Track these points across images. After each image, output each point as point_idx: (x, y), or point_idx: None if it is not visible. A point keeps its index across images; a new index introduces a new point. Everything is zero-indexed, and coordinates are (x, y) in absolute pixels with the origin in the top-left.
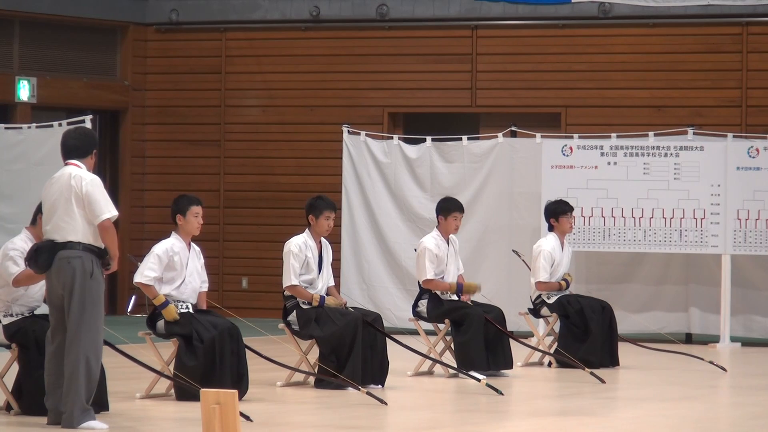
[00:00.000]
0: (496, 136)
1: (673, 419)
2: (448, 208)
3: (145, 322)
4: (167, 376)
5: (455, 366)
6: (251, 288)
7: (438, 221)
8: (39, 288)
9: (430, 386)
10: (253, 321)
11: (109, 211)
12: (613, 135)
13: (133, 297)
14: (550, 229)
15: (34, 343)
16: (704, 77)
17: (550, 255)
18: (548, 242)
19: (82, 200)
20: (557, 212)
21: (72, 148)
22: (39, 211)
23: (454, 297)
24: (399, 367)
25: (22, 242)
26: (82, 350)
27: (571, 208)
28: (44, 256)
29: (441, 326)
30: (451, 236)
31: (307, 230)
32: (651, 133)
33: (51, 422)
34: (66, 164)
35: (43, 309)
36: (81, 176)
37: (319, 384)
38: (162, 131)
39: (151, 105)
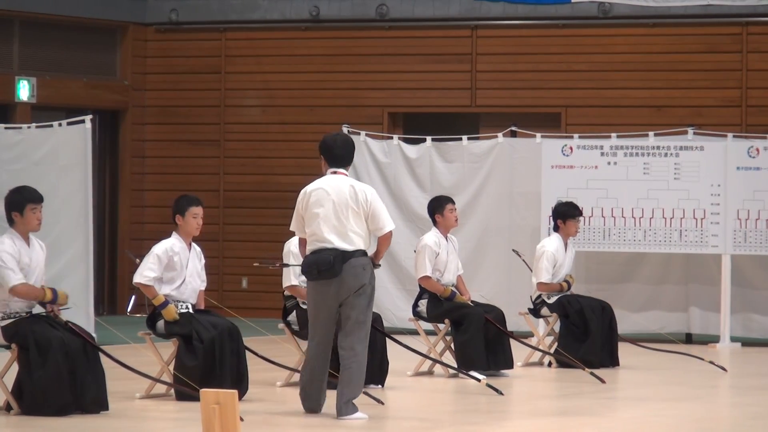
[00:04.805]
0: (496, 136)
1: (673, 419)
2: (441, 204)
3: (145, 322)
4: (164, 382)
5: (455, 366)
6: (251, 288)
7: (434, 221)
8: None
9: (430, 386)
10: (253, 321)
11: (391, 223)
12: (613, 135)
13: (133, 297)
14: (555, 229)
15: (33, 344)
16: (704, 77)
17: (553, 256)
18: (552, 243)
19: (366, 212)
20: (566, 215)
21: (339, 158)
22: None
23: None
24: (399, 367)
25: (11, 245)
26: (366, 347)
27: (580, 213)
28: (339, 264)
29: (441, 326)
30: (450, 235)
31: None
32: (651, 133)
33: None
34: (334, 172)
35: (41, 308)
36: (365, 190)
37: None
38: (162, 131)
39: (150, 105)
